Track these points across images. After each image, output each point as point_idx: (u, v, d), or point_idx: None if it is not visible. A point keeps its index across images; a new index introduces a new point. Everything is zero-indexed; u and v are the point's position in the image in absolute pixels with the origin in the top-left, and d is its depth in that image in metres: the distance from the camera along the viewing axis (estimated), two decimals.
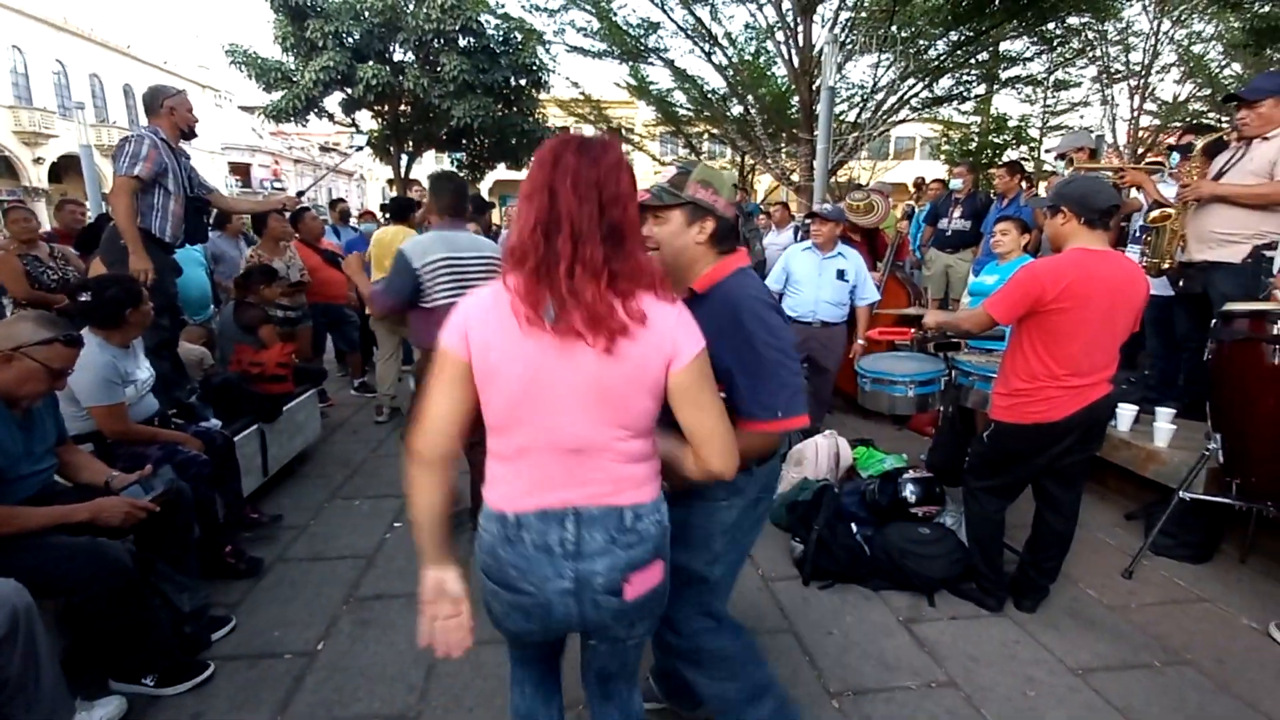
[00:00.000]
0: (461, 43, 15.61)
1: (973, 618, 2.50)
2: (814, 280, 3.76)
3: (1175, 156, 3.36)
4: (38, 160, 22.69)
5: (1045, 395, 2.23)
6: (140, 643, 2.03)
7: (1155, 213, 3.22)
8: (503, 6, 15.53)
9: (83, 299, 2.49)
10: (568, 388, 1.05)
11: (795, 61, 10.12)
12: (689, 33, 10.46)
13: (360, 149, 18.49)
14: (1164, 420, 3.12)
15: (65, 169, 23.92)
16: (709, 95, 11.60)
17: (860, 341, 3.96)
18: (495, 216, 8.41)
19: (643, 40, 11.03)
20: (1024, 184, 5.55)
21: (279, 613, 2.54)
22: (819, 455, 3.25)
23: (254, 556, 2.88)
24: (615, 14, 10.70)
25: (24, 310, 3.73)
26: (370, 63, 15.09)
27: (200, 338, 3.93)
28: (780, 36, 10.18)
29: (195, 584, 2.38)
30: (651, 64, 11.67)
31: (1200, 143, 3.32)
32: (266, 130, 27.57)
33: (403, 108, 16.79)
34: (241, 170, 30.54)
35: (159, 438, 2.63)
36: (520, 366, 1.04)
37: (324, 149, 34.40)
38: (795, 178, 10.89)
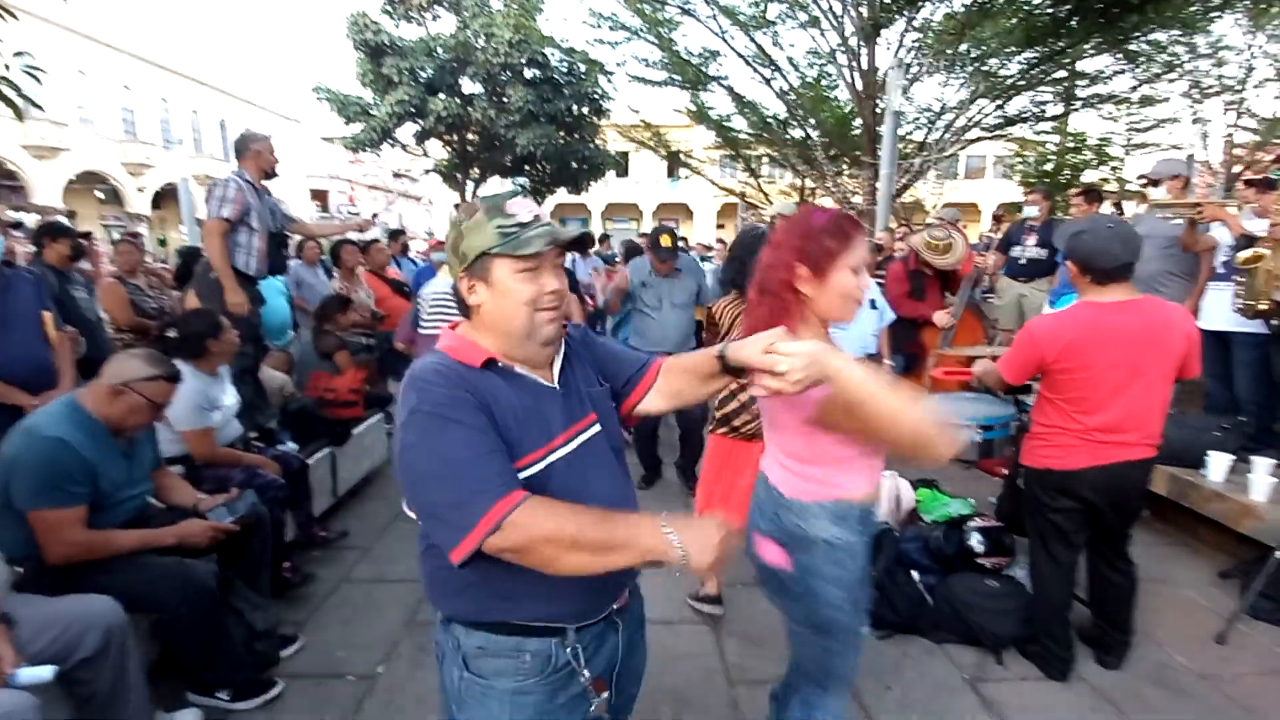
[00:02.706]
0: (527, 75, 16.26)
1: (1046, 680, 2.35)
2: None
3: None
4: (140, 189, 24.73)
5: (1060, 441, 2.16)
6: (217, 658, 2.14)
7: (1247, 253, 3.01)
8: (566, 41, 16.08)
9: (170, 334, 2.72)
10: None
11: (858, 85, 10.00)
12: (749, 60, 10.49)
13: (428, 172, 19.44)
14: (1262, 471, 2.88)
15: (165, 196, 25.96)
16: (768, 120, 11.58)
17: (889, 362, 3.86)
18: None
19: (703, 68, 11.13)
20: (1103, 210, 5.27)
21: (343, 633, 2.64)
22: (879, 496, 3.14)
23: (308, 572, 3.02)
24: (676, 44, 10.85)
25: (122, 335, 4.07)
26: (441, 95, 15.90)
27: (283, 363, 4.17)
28: (843, 60, 10.10)
29: (269, 603, 2.51)
30: (711, 91, 11.74)
31: None
32: (345, 159, 29.24)
33: (470, 137, 17.55)
34: (320, 196, 32.37)
35: (241, 461, 2.81)
36: None
37: (396, 175, 36.14)
38: (858, 200, 10.70)
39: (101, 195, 24.44)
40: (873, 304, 3.71)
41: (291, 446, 3.29)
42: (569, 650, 1.09)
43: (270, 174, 3.50)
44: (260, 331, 3.70)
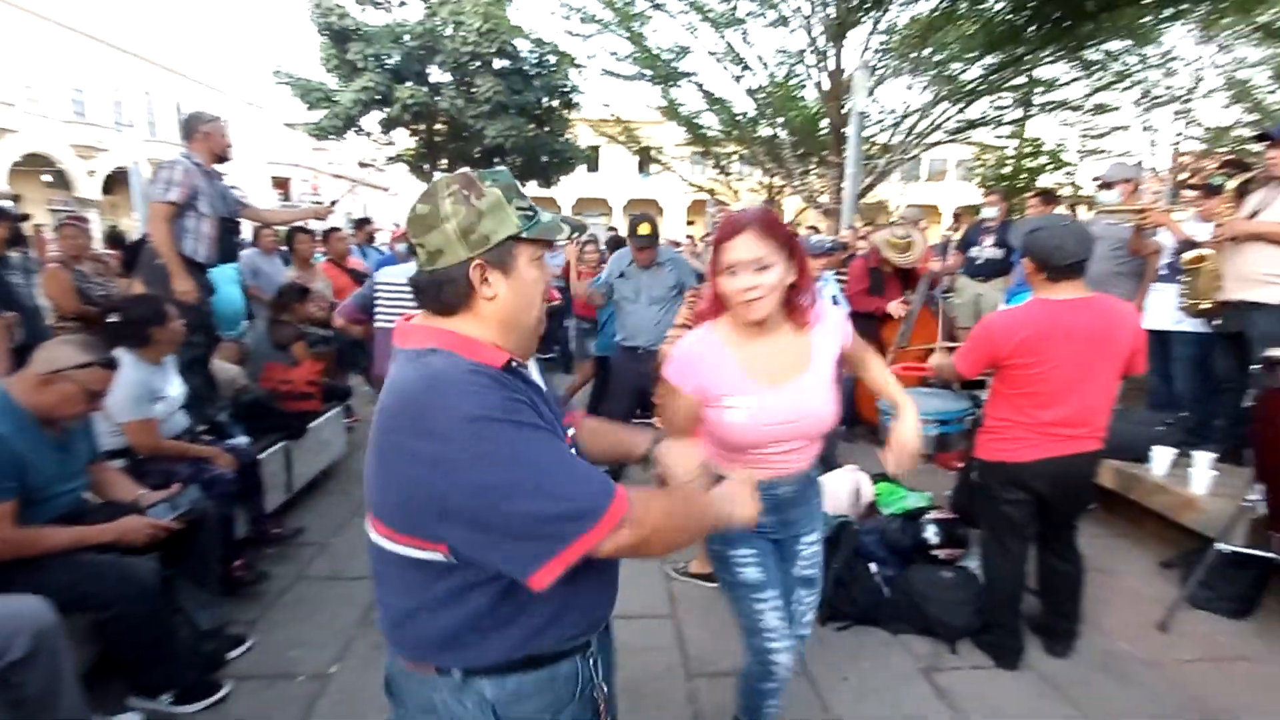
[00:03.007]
0: (496, 65, 16.05)
1: (997, 668, 2.41)
2: None
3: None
4: (90, 173, 23.67)
5: (1013, 435, 2.22)
6: (161, 660, 2.06)
7: (1190, 254, 3.12)
8: (535, 32, 15.93)
9: (111, 320, 2.59)
10: None
11: (825, 85, 10.12)
12: (719, 56, 10.53)
13: (392, 160, 19.08)
14: (1203, 465, 2.99)
15: (116, 181, 24.90)
16: (737, 118, 11.64)
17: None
18: None
19: (674, 64, 11.12)
20: (1058, 211, 5.43)
21: (296, 632, 2.57)
22: (838, 490, 3.18)
23: (262, 570, 2.92)
24: (646, 39, 10.81)
25: (65, 323, 3.89)
26: (408, 83, 15.59)
27: (235, 355, 4.02)
28: (811, 60, 10.20)
29: (216, 601, 2.43)
30: (680, 87, 11.74)
31: (1233, 182, 3.22)
32: (308, 147, 28.45)
33: (438, 126, 17.26)
34: (282, 184, 31.47)
35: (189, 454, 2.70)
36: None
37: (362, 165, 35.32)
38: (824, 200, 10.84)
39: (49, 179, 23.32)
40: (834, 299, 3.78)
41: (242, 440, 3.18)
42: (590, 662, 1.03)
43: (222, 157, 3.35)
44: (211, 321, 3.56)
